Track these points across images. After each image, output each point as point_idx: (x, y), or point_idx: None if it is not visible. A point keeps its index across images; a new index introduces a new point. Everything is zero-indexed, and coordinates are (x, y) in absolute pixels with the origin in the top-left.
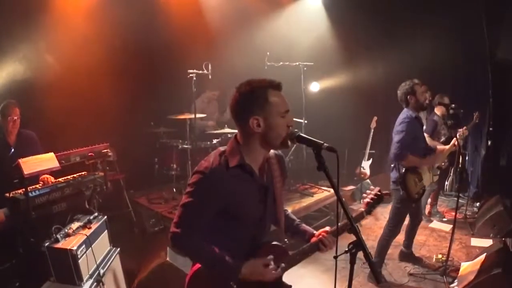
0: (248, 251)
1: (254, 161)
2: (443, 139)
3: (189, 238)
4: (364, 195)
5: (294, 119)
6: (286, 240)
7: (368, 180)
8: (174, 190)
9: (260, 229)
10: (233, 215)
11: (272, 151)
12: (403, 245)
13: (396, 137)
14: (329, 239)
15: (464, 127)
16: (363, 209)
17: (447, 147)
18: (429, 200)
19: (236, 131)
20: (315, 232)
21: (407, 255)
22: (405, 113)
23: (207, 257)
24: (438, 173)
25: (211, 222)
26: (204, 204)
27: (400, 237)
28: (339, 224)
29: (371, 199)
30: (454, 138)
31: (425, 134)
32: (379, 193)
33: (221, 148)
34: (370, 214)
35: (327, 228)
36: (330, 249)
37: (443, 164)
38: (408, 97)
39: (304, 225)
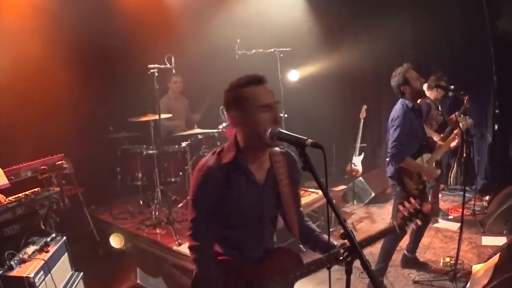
0: (260, 256)
1: (252, 158)
2: (435, 126)
3: (207, 251)
4: (400, 207)
5: None
6: (302, 247)
7: (361, 178)
8: (141, 202)
9: (263, 231)
10: (230, 214)
11: (277, 149)
12: (407, 249)
13: (392, 135)
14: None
15: (456, 112)
16: (395, 223)
17: (452, 144)
18: (429, 197)
19: (206, 130)
20: (336, 243)
21: (410, 261)
22: (400, 104)
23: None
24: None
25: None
26: (206, 205)
27: (406, 243)
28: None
29: (409, 213)
30: (456, 130)
31: None
32: (418, 207)
33: (220, 148)
34: (402, 229)
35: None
36: None
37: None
38: (402, 88)
39: (325, 235)
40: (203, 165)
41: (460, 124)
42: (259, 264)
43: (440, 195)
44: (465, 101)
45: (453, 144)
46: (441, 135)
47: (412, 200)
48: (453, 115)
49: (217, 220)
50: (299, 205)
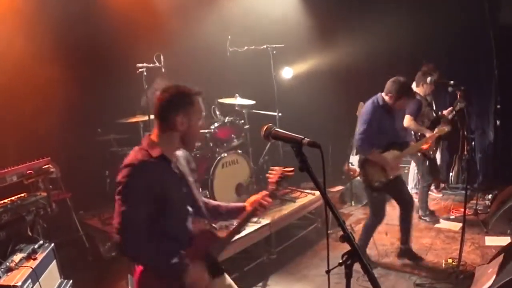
0: (188, 240)
1: (170, 154)
2: (427, 123)
3: (139, 243)
4: (268, 174)
5: (265, 112)
6: (213, 225)
7: (359, 178)
8: None
9: (188, 217)
10: (164, 204)
11: (177, 152)
12: (400, 241)
13: (359, 127)
14: (267, 199)
15: (449, 109)
16: (272, 188)
17: (423, 147)
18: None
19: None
20: (245, 204)
21: (405, 252)
22: (371, 100)
23: (157, 260)
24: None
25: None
26: (142, 196)
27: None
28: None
29: (279, 177)
30: (427, 138)
31: (409, 117)
32: (284, 169)
33: (136, 147)
34: (276, 196)
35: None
36: (266, 208)
37: (431, 152)
38: (396, 97)
39: (232, 204)
40: (133, 159)
41: (436, 129)
42: (193, 246)
43: (440, 195)
44: (458, 96)
45: (424, 146)
46: (434, 132)
47: (276, 168)
48: (445, 112)
49: (154, 212)
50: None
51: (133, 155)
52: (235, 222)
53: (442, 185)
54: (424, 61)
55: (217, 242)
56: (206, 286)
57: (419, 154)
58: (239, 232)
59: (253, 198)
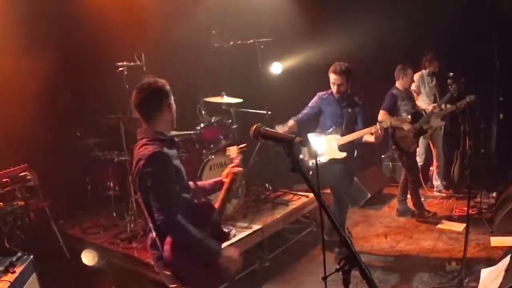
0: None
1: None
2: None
3: (183, 223)
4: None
5: (254, 110)
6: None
7: (354, 178)
8: (114, 214)
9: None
10: (181, 184)
11: None
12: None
13: None
14: (237, 168)
15: (434, 105)
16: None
17: (365, 138)
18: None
19: (183, 132)
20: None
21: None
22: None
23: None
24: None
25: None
26: (172, 177)
27: (408, 247)
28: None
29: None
30: (373, 126)
31: (382, 111)
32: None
33: (143, 141)
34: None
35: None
36: (238, 174)
37: (409, 148)
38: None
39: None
40: (153, 152)
41: (395, 121)
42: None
43: (443, 194)
44: (451, 89)
45: (366, 138)
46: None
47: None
48: (429, 107)
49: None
50: None
51: (149, 147)
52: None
53: (444, 183)
54: (426, 50)
55: (215, 211)
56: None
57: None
58: (228, 200)
59: (225, 171)
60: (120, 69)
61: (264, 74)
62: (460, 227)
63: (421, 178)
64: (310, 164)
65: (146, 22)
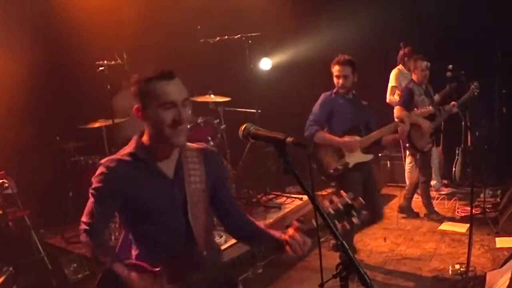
0: (165, 259)
1: (152, 153)
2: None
3: (93, 233)
4: (326, 202)
5: (243, 109)
6: (204, 252)
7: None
8: None
9: (183, 227)
10: (139, 208)
11: (193, 145)
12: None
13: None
14: (299, 238)
15: (452, 102)
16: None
17: (390, 135)
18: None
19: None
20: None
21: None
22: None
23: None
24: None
25: (124, 220)
26: (104, 192)
27: (408, 250)
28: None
29: (335, 209)
30: (397, 120)
31: (399, 108)
32: (348, 202)
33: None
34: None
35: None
36: (299, 252)
37: (423, 148)
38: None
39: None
40: (105, 161)
41: (419, 113)
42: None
43: (443, 192)
44: (472, 88)
45: (393, 129)
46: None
47: (343, 193)
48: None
49: (127, 216)
50: (230, 203)
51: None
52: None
53: (445, 181)
54: (402, 44)
55: (207, 268)
56: None
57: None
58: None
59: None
60: (100, 68)
61: (253, 70)
62: (463, 228)
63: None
64: (331, 171)
65: (127, 19)
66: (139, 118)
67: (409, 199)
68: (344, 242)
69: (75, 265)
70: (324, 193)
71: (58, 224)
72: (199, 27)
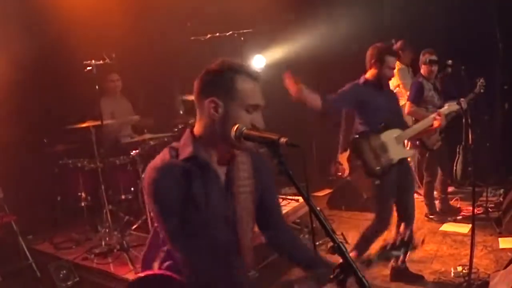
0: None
1: (209, 155)
2: (433, 109)
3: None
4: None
5: None
6: (253, 272)
7: (349, 179)
8: (87, 227)
9: (240, 240)
10: (186, 218)
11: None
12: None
13: None
14: None
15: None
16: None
17: (430, 123)
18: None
19: (159, 135)
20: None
21: (399, 272)
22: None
23: None
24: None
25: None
26: (176, 203)
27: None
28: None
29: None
30: (435, 113)
31: (409, 103)
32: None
33: (174, 144)
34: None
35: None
36: None
37: (434, 145)
38: (373, 61)
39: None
40: (158, 161)
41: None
42: None
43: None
44: (478, 85)
45: (431, 122)
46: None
47: (402, 227)
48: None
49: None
50: (277, 214)
51: (161, 155)
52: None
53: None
54: (394, 40)
55: None
56: None
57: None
58: None
59: None
60: (88, 68)
61: None
62: (465, 228)
63: (417, 179)
64: (377, 168)
65: (116, 17)
66: (214, 112)
67: (443, 199)
68: (341, 244)
69: (64, 272)
70: (320, 194)
71: (46, 229)
72: (189, 24)
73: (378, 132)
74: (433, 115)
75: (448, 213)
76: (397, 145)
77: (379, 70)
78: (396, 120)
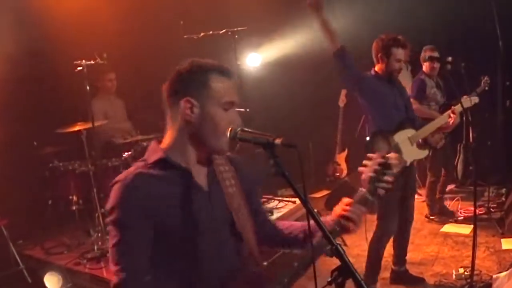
0: (223, 281)
1: (184, 160)
2: (435, 106)
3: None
4: (361, 168)
5: None
6: (264, 263)
7: (347, 179)
8: (79, 231)
9: (223, 245)
10: (170, 238)
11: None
12: (392, 262)
13: None
14: (356, 210)
15: (465, 96)
16: (364, 190)
17: (446, 120)
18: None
19: (152, 136)
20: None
21: (399, 275)
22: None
23: None
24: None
25: (156, 256)
26: (137, 223)
27: (409, 254)
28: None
29: (375, 170)
30: (449, 111)
31: (412, 100)
32: (383, 160)
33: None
34: (375, 195)
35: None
36: (358, 226)
37: (437, 144)
38: (380, 55)
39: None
40: (121, 176)
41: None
42: None
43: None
44: (482, 83)
45: (446, 120)
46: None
47: (373, 155)
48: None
49: (156, 250)
50: (261, 215)
51: (129, 169)
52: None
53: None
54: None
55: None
56: None
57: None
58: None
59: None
60: (79, 68)
61: (241, 67)
62: (466, 229)
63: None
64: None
65: (107, 16)
66: (190, 113)
67: (439, 199)
68: (338, 246)
69: (55, 277)
70: (317, 195)
71: (37, 234)
72: (182, 22)
73: (391, 133)
74: (447, 113)
75: (444, 214)
76: (411, 146)
77: (387, 64)
78: (408, 117)
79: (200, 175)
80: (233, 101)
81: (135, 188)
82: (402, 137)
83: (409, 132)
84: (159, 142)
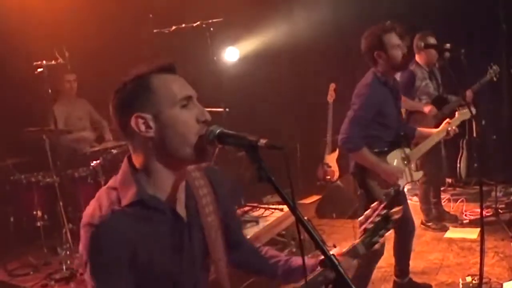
0: None
1: (160, 188)
2: (426, 100)
3: None
4: (361, 218)
5: (208, 108)
6: None
7: (338, 182)
8: (45, 250)
9: (198, 283)
10: (151, 272)
11: (191, 166)
12: (395, 274)
13: (349, 114)
14: (345, 265)
15: (468, 90)
16: (356, 242)
17: (434, 131)
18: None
19: (123, 143)
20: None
21: (403, 287)
22: (368, 77)
23: None
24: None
25: None
26: (114, 271)
27: (410, 263)
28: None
29: (373, 224)
30: (445, 125)
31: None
32: (385, 213)
33: (111, 182)
34: (370, 247)
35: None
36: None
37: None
38: (375, 53)
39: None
40: (92, 215)
41: (457, 113)
42: None
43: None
44: (489, 72)
45: (443, 135)
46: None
47: (375, 204)
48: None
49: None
50: (238, 236)
51: (100, 200)
52: None
53: (449, 180)
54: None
55: None
56: None
57: None
58: None
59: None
60: (39, 70)
61: (217, 62)
62: (473, 233)
63: None
64: (384, 197)
65: (68, 12)
66: (147, 130)
67: (435, 203)
68: (332, 257)
69: None
70: (307, 201)
71: None
72: (151, 15)
73: (384, 153)
74: (443, 128)
75: (444, 220)
76: (404, 168)
77: (385, 56)
78: (401, 132)
79: (180, 199)
80: (188, 95)
81: (109, 233)
82: (396, 158)
83: (403, 152)
84: (130, 160)
